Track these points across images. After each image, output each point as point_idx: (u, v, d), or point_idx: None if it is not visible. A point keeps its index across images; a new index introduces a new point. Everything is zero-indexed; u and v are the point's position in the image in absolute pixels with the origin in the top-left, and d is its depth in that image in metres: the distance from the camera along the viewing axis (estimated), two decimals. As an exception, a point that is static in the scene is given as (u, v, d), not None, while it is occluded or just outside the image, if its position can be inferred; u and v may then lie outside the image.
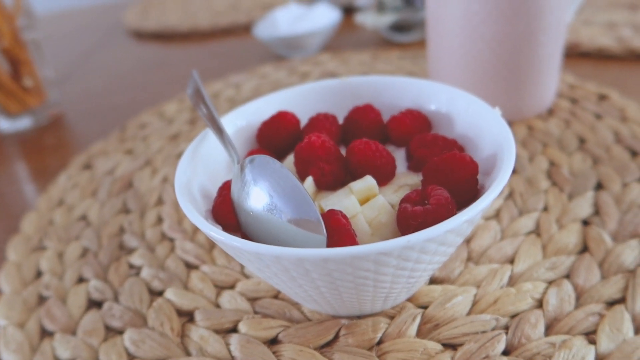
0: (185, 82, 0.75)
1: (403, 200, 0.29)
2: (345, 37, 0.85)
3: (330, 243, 0.27)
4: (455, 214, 0.28)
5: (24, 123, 0.69)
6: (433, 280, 0.35)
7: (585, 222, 0.38)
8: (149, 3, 1.18)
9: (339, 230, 0.27)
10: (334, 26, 0.79)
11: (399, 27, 0.79)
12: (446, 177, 0.30)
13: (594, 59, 0.65)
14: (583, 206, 0.39)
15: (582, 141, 0.47)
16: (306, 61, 0.74)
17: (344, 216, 0.28)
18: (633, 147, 0.45)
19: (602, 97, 0.54)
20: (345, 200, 0.30)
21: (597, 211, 0.39)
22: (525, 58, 0.48)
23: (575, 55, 0.66)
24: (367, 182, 0.31)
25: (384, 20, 0.76)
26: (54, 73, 0.76)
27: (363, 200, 0.30)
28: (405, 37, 0.78)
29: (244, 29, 0.95)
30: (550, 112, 0.52)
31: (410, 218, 0.27)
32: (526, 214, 0.39)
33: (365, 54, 0.74)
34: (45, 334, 0.36)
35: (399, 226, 0.29)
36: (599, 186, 0.41)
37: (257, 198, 0.29)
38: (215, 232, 0.26)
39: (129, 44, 1.00)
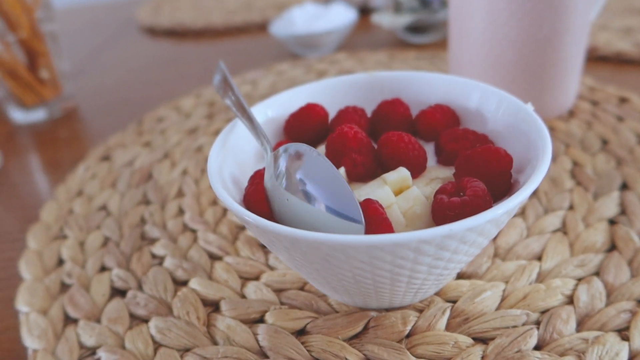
0: (200, 78, 0.75)
1: (438, 192, 0.29)
2: (361, 38, 0.85)
3: (368, 232, 0.27)
4: (492, 206, 0.28)
5: (38, 115, 0.69)
6: (460, 276, 0.35)
7: (612, 222, 0.38)
8: (162, 0, 1.18)
9: (376, 219, 0.27)
10: (350, 26, 0.79)
11: (415, 29, 0.79)
12: (480, 170, 0.30)
13: (612, 63, 0.65)
14: (609, 206, 0.39)
15: (604, 142, 0.47)
16: (322, 60, 0.74)
17: (381, 206, 0.28)
18: (656, 149, 0.45)
19: (623, 100, 0.54)
20: (379, 191, 0.30)
21: (623, 211, 0.39)
22: (548, 58, 0.48)
23: (593, 59, 0.66)
24: (401, 173, 0.31)
25: (400, 21, 0.76)
26: (69, 66, 0.76)
27: (397, 191, 0.30)
28: (421, 38, 0.78)
29: (258, 28, 0.95)
30: (571, 114, 0.52)
31: (447, 209, 0.27)
32: (552, 212, 0.39)
33: (381, 54, 0.74)
34: (68, 320, 0.36)
35: (434, 217, 0.29)
36: (624, 186, 0.41)
37: (292, 186, 0.29)
38: (252, 218, 0.26)
39: (142, 40, 1.00)
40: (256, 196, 0.31)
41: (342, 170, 0.32)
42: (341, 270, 0.26)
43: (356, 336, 0.31)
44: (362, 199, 0.29)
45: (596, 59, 0.66)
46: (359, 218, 0.26)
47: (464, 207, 0.27)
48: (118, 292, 0.37)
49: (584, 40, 0.49)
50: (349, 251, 0.24)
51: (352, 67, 0.70)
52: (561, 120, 0.51)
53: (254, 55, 0.84)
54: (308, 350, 0.31)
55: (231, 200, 0.28)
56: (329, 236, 0.24)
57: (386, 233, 0.26)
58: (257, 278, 0.37)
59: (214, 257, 0.39)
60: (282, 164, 0.30)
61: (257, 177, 0.32)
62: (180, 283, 0.37)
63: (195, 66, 0.83)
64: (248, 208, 0.31)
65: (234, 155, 0.35)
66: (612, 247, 0.36)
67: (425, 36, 0.79)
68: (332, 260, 0.25)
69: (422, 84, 0.39)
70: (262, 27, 0.95)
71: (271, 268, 0.37)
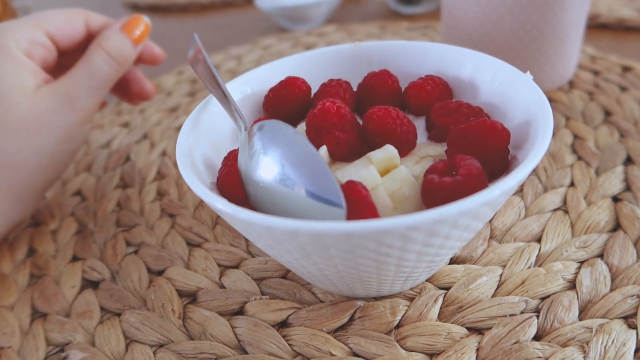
0: (184, 55, 0.72)
1: (428, 171, 0.26)
2: (351, 9, 0.82)
3: (350, 217, 0.24)
4: (487, 186, 0.25)
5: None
6: (454, 260, 0.33)
7: (616, 199, 0.36)
8: (145, -25, 1.14)
9: (359, 203, 0.24)
10: (339, -3, 0.75)
11: (408, -2, 0.75)
12: (474, 146, 0.27)
13: (614, 31, 0.62)
14: (613, 182, 0.37)
15: (607, 114, 0.44)
16: (310, 33, 0.71)
17: (364, 188, 0.25)
18: (662, 121, 0.42)
19: (626, 69, 0.51)
20: (364, 171, 0.27)
21: (628, 187, 0.36)
22: (548, 25, 0.45)
23: (594, 26, 0.63)
24: (388, 151, 0.28)
25: (392, -10, 0.73)
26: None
27: (383, 171, 0.28)
28: (413, 8, 0.75)
29: (245, 1, 0.92)
30: (572, 84, 0.50)
31: (438, 190, 0.25)
32: (552, 189, 0.37)
33: (372, 26, 0.70)
34: (37, 315, 0.33)
35: (424, 199, 0.26)
36: (628, 161, 0.39)
37: (267, 168, 0.26)
38: (222, 205, 0.23)
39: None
40: (230, 179, 0.28)
41: (323, 149, 0.29)
42: (321, 259, 0.24)
43: (342, 328, 0.29)
44: (345, 180, 0.27)
45: (597, 26, 0.63)
46: (339, 202, 0.24)
47: (457, 187, 0.24)
48: (90, 284, 0.35)
49: (585, 6, 0.46)
50: (326, 240, 0.21)
51: (341, 40, 0.67)
52: (561, 92, 0.48)
53: (240, 30, 0.80)
54: (290, 344, 0.28)
55: (199, 184, 0.25)
56: (303, 223, 0.21)
57: (370, 218, 0.24)
58: (237, 266, 0.34)
59: (192, 245, 0.37)
60: (256, 143, 0.27)
61: (231, 158, 0.29)
62: (155, 273, 0.35)
63: (178, 42, 0.80)
64: (222, 192, 0.29)
65: (207, 135, 0.32)
66: (617, 227, 0.33)
67: (418, 6, 0.75)
68: (310, 249, 0.23)
69: (411, 54, 0.37)
70: (248, 1, 0.91)
71: (252, 255, 0.35)
